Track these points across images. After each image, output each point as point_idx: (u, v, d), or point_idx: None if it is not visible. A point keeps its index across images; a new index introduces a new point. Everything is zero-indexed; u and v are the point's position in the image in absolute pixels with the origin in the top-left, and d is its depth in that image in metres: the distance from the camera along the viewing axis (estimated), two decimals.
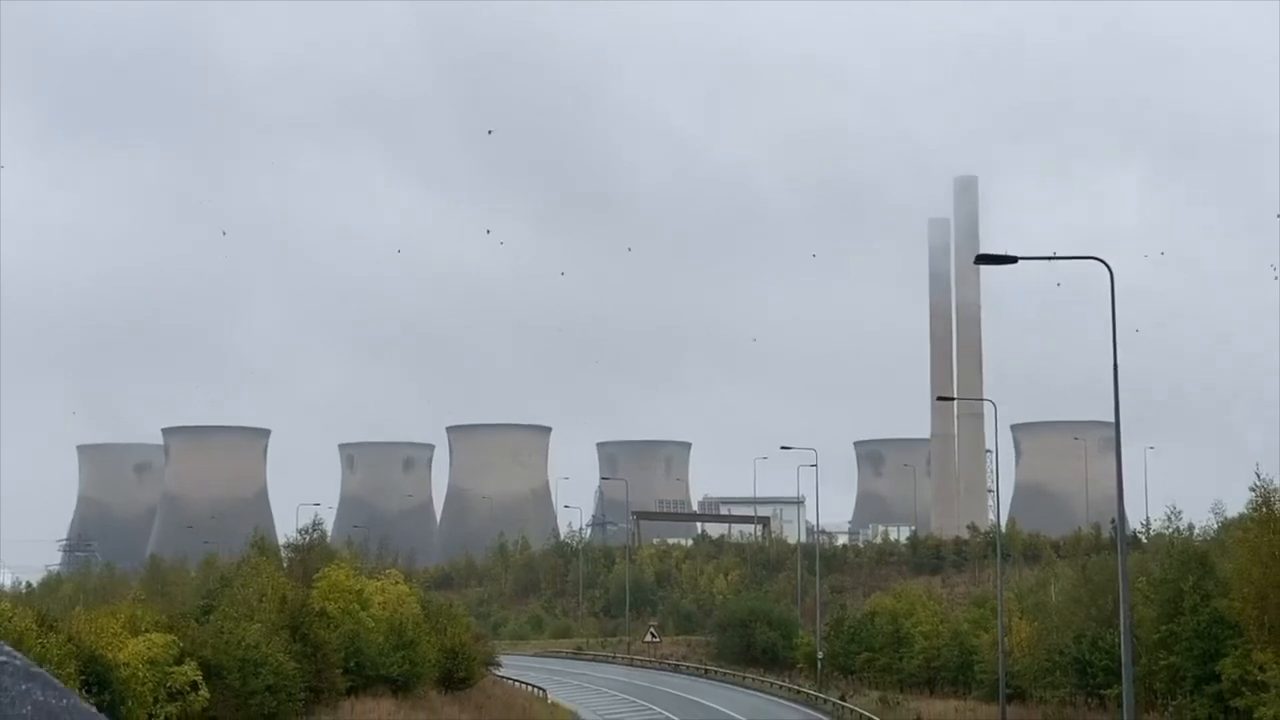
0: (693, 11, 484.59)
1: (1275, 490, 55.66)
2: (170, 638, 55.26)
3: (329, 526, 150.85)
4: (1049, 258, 48.14)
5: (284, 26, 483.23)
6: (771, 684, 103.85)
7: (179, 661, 54.63)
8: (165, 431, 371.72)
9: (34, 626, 48.92)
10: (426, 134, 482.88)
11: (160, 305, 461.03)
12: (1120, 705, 42.62)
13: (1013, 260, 42.18)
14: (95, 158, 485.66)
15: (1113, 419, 43.65)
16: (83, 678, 48.22)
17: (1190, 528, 77.01)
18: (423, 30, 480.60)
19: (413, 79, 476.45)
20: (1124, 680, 41.71)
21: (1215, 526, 74.14)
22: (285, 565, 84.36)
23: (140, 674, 52.29)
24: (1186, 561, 63.71)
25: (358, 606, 74.25)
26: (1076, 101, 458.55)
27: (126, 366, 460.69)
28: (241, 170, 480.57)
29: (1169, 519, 76.63)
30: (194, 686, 54.31)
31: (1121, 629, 42.55)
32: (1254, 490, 56.20)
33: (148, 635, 55.01)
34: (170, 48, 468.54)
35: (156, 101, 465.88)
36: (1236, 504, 64.99)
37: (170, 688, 53.56)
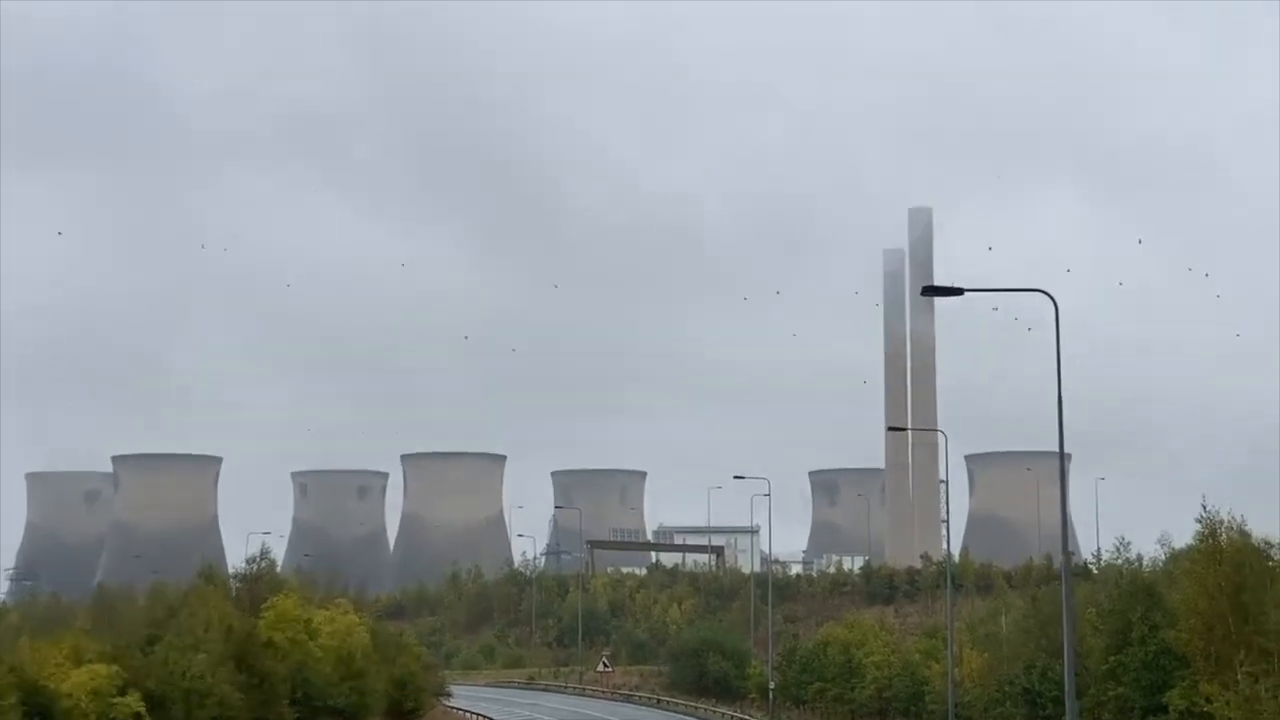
0: (634, 36, 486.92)
1: (1221, 522, 55.90)
2: (114, 668, 54.80)
3: (280, 555, 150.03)
4: (995, 289, 48.41)
5: (220, 49, 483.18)
6: (723, 715, 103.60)
7: (122, 692, 54.17)
8: (115, 459, 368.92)
9: None
10: (365, 156, 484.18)
11: (106, 331, 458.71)
12: None
13: (959, 292, 42.31)
14: (33, 183, 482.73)
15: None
16: (24, 708, 47.79)
17: (1139, 558, 77.20)
18: (361, 52, 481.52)
19: (351, 102, 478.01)
20: (1068, 712, 41.81)
21: (1163, 557, 74.40)
22: (233, 595, 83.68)
23: (83, 705, 51.85)
24: (1135, 592, 63.90)
25: (306, 636, 73.73)
26: (1023, 130, 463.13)
27: (75, 394, 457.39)
28: (181, 193, 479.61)
29: (1118, 550, 76.85)
30: (137, 718, 53.84)
31: (1066, 660, 42.62)
32: (1200, 522, 56.42)
33: (91, 666, 54.56)
34: (106, 71, 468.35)
35: (93, 125, 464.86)
36: (1184, 535, 65.29)
37: (113, 719, 53.08)
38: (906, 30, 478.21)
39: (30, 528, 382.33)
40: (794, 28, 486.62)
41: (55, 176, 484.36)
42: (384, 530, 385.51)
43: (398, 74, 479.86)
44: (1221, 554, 54.52)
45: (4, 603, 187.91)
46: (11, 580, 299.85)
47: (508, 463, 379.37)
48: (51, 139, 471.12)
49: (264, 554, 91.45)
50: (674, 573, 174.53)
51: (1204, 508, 55.77)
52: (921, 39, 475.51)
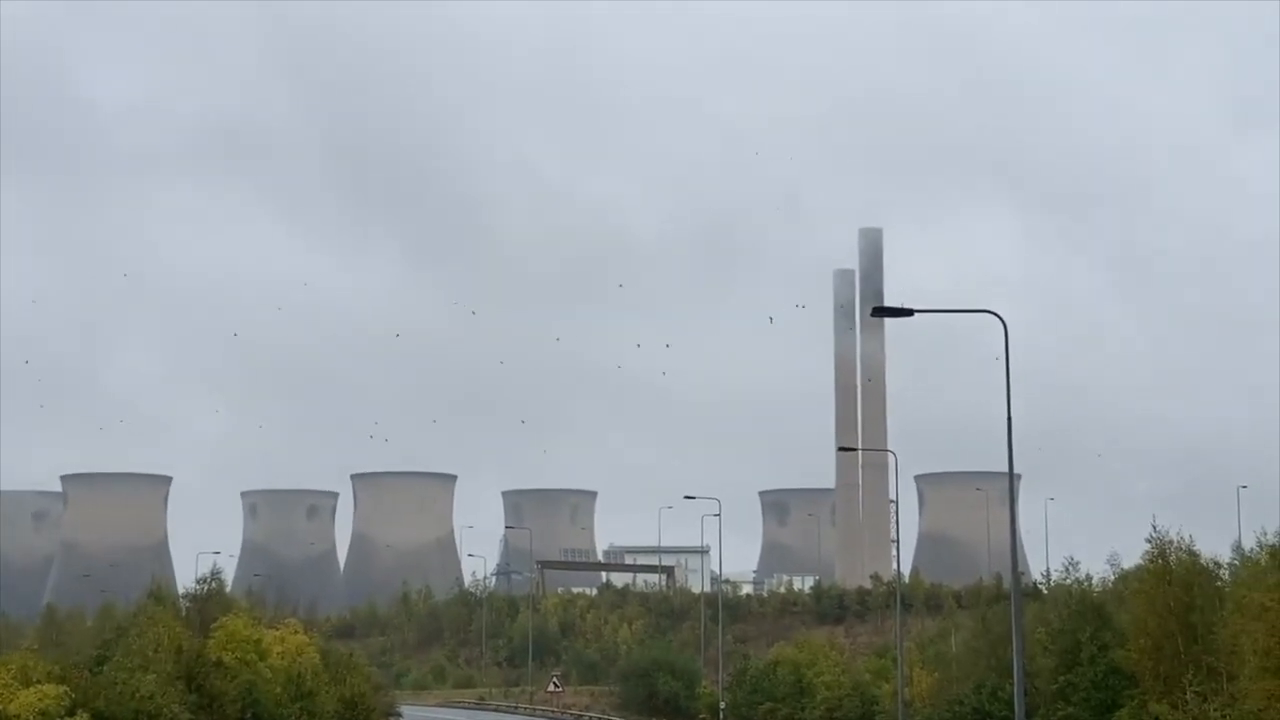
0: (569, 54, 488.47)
1: (1170, 542, 56.34)
2: (62, 689, 54.42)
3: (230, 575, 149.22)
4: (945, 310, 48.64)
5: (143, 61, 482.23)
6: None
7: (71, 713, 53.80)
8: (64, 479, 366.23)
9: None
10: (293, 173, 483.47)
11: (47, 350, 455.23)
12: None
13: (909, 313, 42.58)
14: None
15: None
16: None
17: (1088, 578, 77.63)
18: (284, 67, 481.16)
19: (274, 117, 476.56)
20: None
21: (1112, 577, 74.85)
22: (183, 615, 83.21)
23: None
24: (1084, 612, 64.34)
25: (255, 657, 73.34)
26: (955, 146, 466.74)
27: (22, 413, 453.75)
28: (107, 208, 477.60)
29: (1067, 570, 77.27)
30: None
31: (1016, 679, 42.87)
32: (1150, 542, 56.86)
33: (39, 686, 54.15)
34: (28, 84, 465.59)
35: (17, 142, 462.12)
36: (1133, 555, 65.75)
37: None
38: (838, 46, 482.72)
39: None
40: (723, 42, 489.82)
41: None
42: (334, 550, 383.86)
43: (321, 90, 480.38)
44: (1170, 574, 54.96)
45: None
46: None
47: (458, 482, 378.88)
48: None
49: (214, 574, 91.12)
50: (624, 593, 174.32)
51: (1154, 528, 56.25)
52: (849, 55, 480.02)
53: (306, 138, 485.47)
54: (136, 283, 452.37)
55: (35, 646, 74.81)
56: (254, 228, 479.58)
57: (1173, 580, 54.84)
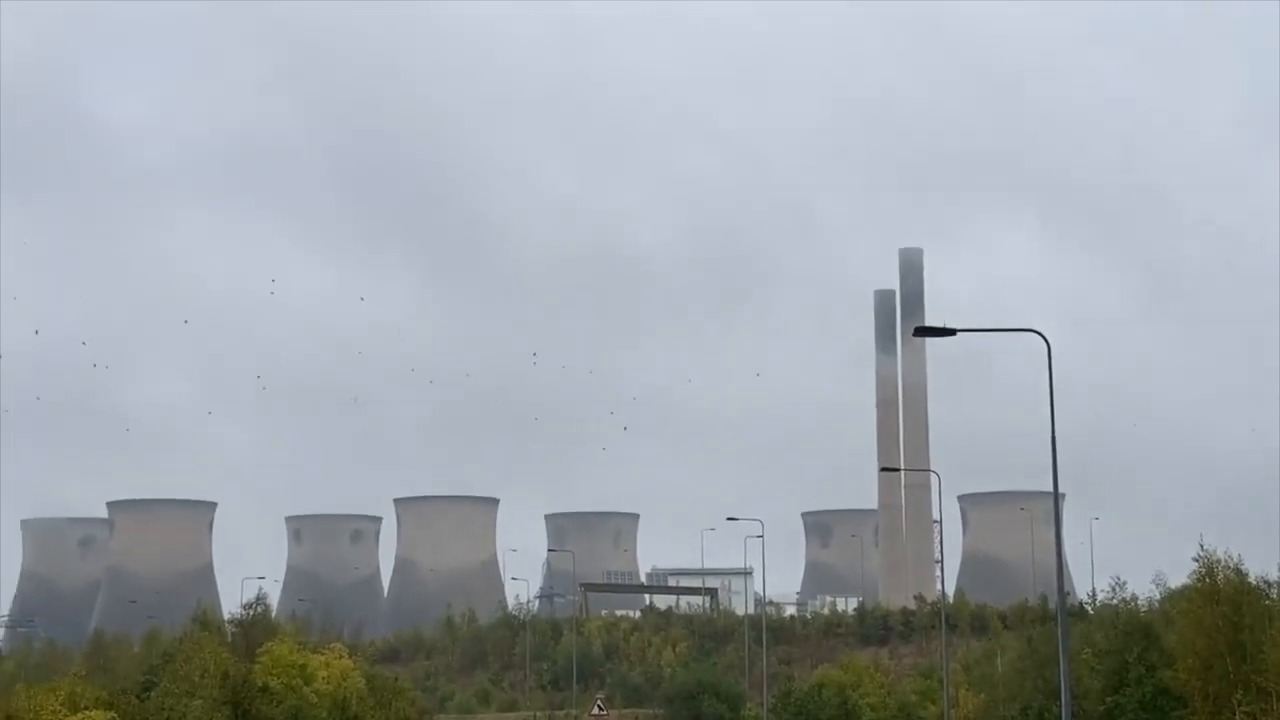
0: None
1: (1218, 561, 55.95)
2: (110, 715, 54.73)
3: (275, 600, 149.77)
4: (987, 330, 48.40)
5: (155, 80, 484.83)
6: None
7: None
8: (110, 505, 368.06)
9: None
10: (307, 191, 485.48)
11: (89, 376, 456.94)
12: None
13: (951, 333, 42.47)
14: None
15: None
16: None
17: (1134, 598, 77.19)
18: (296, 86, 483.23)
19: (287, 132, 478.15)
20: None
21: (1159, 597, 74.41)
22: (229, 640, 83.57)
23: None
24: (1131, 633, 63.91)
25: (301, 682, 73.53)
26: (986, 164, 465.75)
27: (69, 440, 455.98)
28: (132, 231, 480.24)
29: (1113, 590, 76.86)
30: None
31: (1063, 701, 42.60)
32: (1197, 561, 56.46)
33: (87, 712, 54.47)
34: (40, 105, 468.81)
35: (32, 163, 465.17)
36: (1180, 574, 65.32)
37: None
38: (854, 57, 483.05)
39: (25, 574, 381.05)
40: (736, 54, 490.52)
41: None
42: (378, 574, 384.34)
43: (335, 110, 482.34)
44: (1219, 593, 54.55)
45: (0, 650, 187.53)
46: (7, 627, 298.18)
47: (501, 506, 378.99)
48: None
49: (259, 599, 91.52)
50: (668, 615, 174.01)
51: (1201, 547, 55.86)
52: (878, 73, 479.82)
53: (316, 158, 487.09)
54: (163, 307, 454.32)
55: (83, 672, 75.26)
56: (271, 247, 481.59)
57: (1221, 599, 54.44)
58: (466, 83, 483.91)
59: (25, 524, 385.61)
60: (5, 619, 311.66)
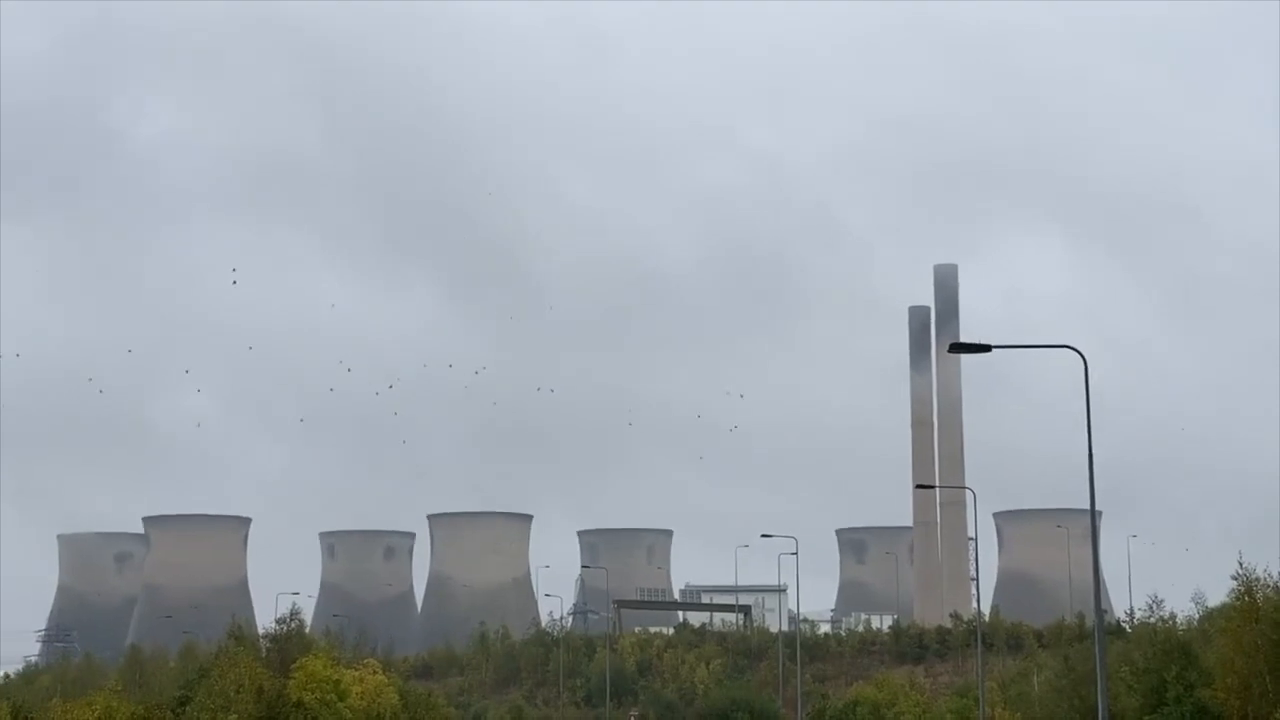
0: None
1: (1257, 579, 55.55)
2: None
3: (309, 615, 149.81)
4: (1023, 346, 48.20)
5: (183, 97, 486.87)
6: None
7: None
8: (146, 520, 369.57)
9: (9, 718, 48.49)
10: (337, 211, 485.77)
11: (123, 392, 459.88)
12: None
13: (987, 349, 42.29)
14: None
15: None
16: None
17: (1172, 616, 76.62)
18: (324, 103, 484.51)
19: (311, 148, 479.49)
20: None
21: (1197, 615, 73.91)
22: (263, 655, 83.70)
23: None
24: (1169, 651, 63.47)
25: (335, 697, 73.60)
26: (1027, 179, 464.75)
27: (105, 456, 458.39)
28: (162, 246, 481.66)
29: (1151, 608, 76.33)
30: None
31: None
32: (1236, 579, 56.06)
33: None
34: (66, 122, 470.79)
35: (60, 181, 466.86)
36: (1218, 592, 64.87)
37: None
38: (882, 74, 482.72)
39: (62, 589, 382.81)
40: (760, 71, 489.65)
41: (32, 225, 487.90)
42: (411, 590, 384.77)
43: (361, 125, 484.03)
44: (1258, 611, 54.14)
45: (37, 664, 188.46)
46: (44, 642, 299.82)
47: (534, 522, 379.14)
48: (13, 190, 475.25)
49: (293, 614, 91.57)
50: (701, 632, 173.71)
51: (1239, 565, 55.46)
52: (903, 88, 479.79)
53: (344, 175, 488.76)
54: (197, 323, 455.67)
55: (119, 687, 75.37)
56: (299, 265, 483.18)
57: (1260, 618, 54.02)
58: (493, 99, 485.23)
59: (62, 539, 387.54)
60: (42, 634, 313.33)
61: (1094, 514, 43.83)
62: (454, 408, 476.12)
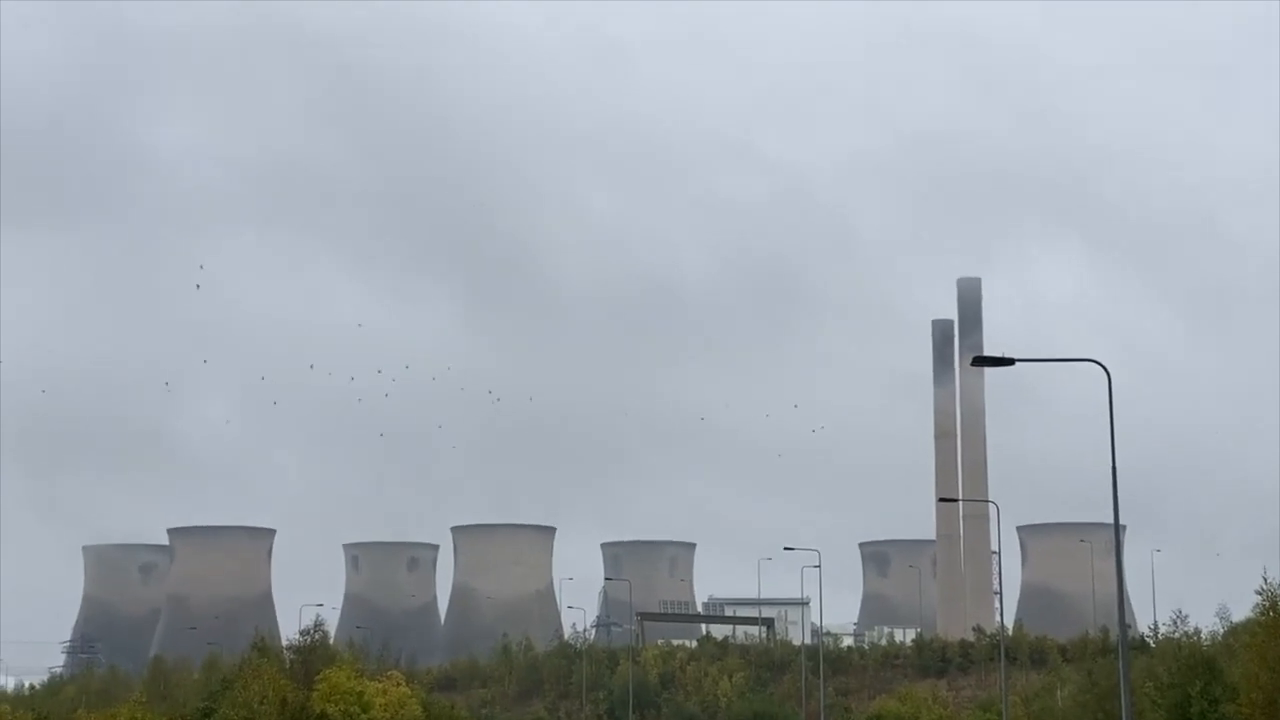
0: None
1: None
2: None
3: (332, 627, 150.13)
4: (1046, 359, 48.10)
5: (203, 108, 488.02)
6: None
7: None
8: (170, 532, 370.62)
9: None
10: (355, 223, 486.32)
11: (147, 403, 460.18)
12: None
13: (1010, 362, 42.28)
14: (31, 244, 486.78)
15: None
16: None
17: (1197, 631, 76.36)
18: (343, 117, 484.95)
19: (331, 165, 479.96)
20: None
21: (1222, 630, 73.64)
22: (287, 666, 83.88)
23: None
24: (1194, 666, 63.30)
25: (358, 709, 73.81)
26: (1047, 190, 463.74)
27: (129, 467, 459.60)
28: (178, 258, 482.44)
29: (1175, 622, 76.10)
30: None
31: None
32: (1261, 594, 55.89)
33: None
34: (86, 134, 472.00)
35: (80, 193, 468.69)
36: (1243, 607, 64.65)
37: None
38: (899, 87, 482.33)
39: (87, 600, 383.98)
40: (777, 83, 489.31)
41: (48, 237, 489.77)
42: (435, 602, 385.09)
43: (378, 139, 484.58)
44: None
45: (62, 675, 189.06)
46: (68, 653, 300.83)
47: (557, 534, 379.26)
48: (34, 202, 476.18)
49: (317, 626, 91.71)
50: (724, 645, 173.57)
51: (1264, 579, 55.29)
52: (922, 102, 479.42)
53: (361, 188, 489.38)
54: (220, 334, 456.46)
55: (143, 698, 75.74)
56: (323, 276, 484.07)
57: None
58: (511, 111, 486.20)
59: (87, 550, 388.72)
60: (67, 645, 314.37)
61: (1118, 529, 43.76)
62: (478, 420, 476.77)
